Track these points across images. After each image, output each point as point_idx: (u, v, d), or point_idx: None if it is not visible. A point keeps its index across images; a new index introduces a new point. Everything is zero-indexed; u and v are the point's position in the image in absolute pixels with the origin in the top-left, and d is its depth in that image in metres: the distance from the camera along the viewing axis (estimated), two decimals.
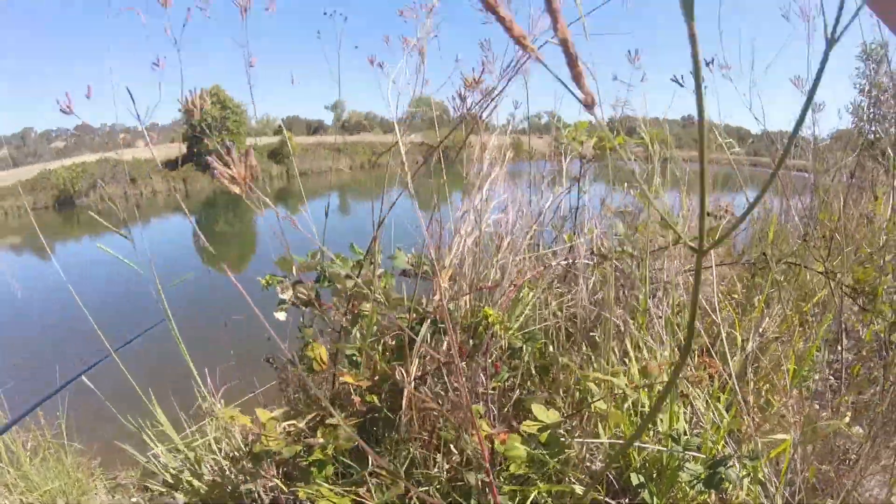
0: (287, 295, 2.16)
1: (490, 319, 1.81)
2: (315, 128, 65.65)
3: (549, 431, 1.54)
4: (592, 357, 2.12)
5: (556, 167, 2.73)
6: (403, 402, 1.81)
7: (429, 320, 1.87)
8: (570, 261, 2.45)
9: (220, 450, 2.31)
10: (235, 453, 2.25)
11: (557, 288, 2.48)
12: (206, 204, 33.79)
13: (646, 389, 1.69)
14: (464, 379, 1.60)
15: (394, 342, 2.05)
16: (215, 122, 40.10)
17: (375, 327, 2.00)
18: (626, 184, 2.86)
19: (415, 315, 1.93)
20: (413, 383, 1.81)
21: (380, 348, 2.04)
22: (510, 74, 1.87)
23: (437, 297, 1.94)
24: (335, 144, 48.47)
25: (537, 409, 1.60)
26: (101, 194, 38.78)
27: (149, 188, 40.45)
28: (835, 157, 3.47)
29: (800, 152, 3.40)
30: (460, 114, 1.92)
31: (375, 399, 1.86)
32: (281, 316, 2.18)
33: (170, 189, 39.98)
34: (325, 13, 2.12)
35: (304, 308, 2.19)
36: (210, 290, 9.48)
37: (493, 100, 1.91)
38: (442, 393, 1.96)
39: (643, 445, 1.63)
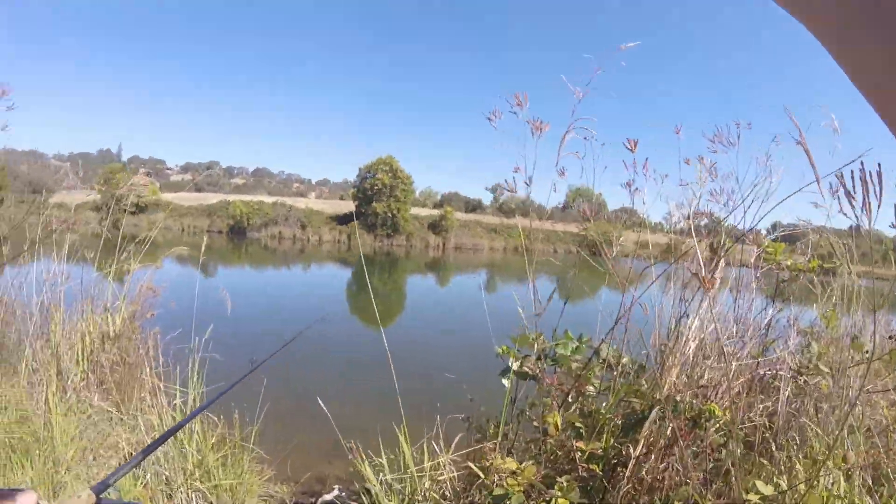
0: (516, 366, 2.79)
1: (716, 414, 2.29)
2: (474, 206, 75.08)
3: None
4: (782, 458, 2.54)
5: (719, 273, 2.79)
6: (627, 472, 2.27)
7: (657, 407, 2.31)
8: (773, 372, 2.90)
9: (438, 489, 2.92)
10: (448, 492, 2.86)
11: (747, 397, 2.83)
12: (365, 260, 35.39)
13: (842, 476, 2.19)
14: (687, 459, 2.19)
15: (621, 421, 2.51)
16: (385, 188, 48.57)
17: (615, 406, 2.48)
18: (814, 304, 3.23)
19: (645, 401, 2.40)
20: (636, 458, 2.27)
21: (610, 425, 2.51)
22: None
23: (665, 389, 2.48)
24: (492, 224, 55.87)
25: (760, 484, 2.06)
26: (273, 232, 48.88)
27: (316, 236, 49.38)
28: None
29: None
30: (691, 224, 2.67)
31: (597, 467, 2.32)
32: (506, 382, 2.83)
33: (334, 240, 49.18)
34: (584, 138, 2.51)
35: (522, 379, 2.81)
36: (361, 340, 12.72)
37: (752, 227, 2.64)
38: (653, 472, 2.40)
39: None
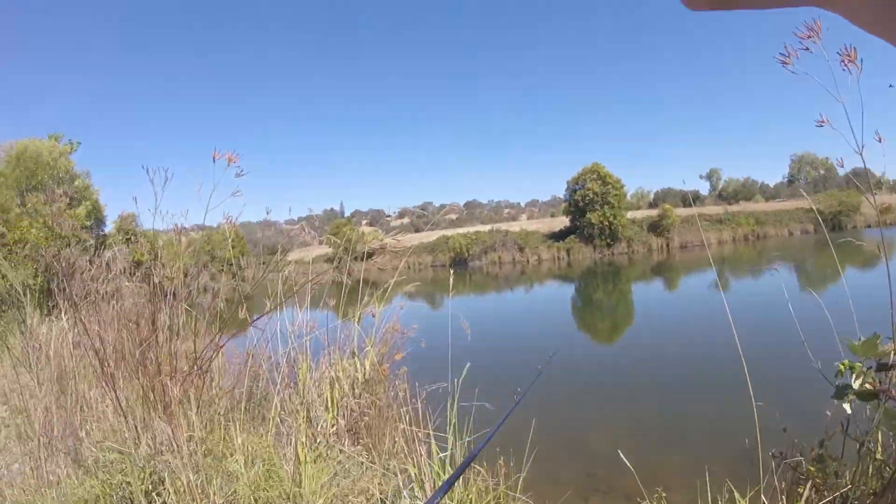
0: (857, 383, 2.16)
1: None
2: (692, 198, 72.05)
3: None
4: None
5: None
6: None
7: None
8: None
9: None
10: None
11: None
12: (587, 273, 38.09)
13: None
14: None
15: None
16: (596, 196, 47.38)
17: None
18: None
19: None
20: None
21: None
22: None
23: None
24: (715, 215, 52.43)
25: None
26: (493, 258, 50.49)
27: (535, 256, 49.46)
28: None
29: None
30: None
31: None
32: (847, 407, 2.24)
33: (553, 258, 48.85)
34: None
35: (864, 400, 2.16)
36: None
37: None
38: None
39: None
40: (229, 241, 5.00)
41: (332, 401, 4.41)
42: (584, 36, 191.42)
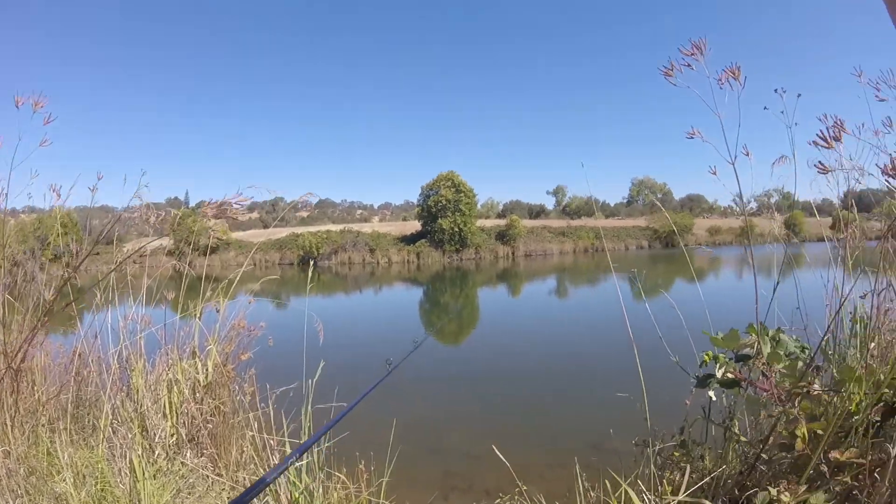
0: (720, 372, 2.39)
1: None
2: (537, 212, 76.27)
3: None
4: None
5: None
6: (888, 478, 1.87)
7: None
8: None
9: None
10: None
11: None
12: (436, 277, 38.74)
13: None
14: None
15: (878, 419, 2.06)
16: (449, 203, 48.94)
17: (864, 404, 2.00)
18: None
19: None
20: None
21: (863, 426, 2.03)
22: None
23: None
24: (559, 228, 55.98)
25: None
26: (343, 259, 50.41)
27: (385, 258, 49.85)
28: None
29: None
30: None
31: (849, 479, 1.97)
32: (712, 394, 2.50)
33: (404, 261, 49.58)
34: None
35: (727, 388, 2.40)
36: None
37: None
38: None
39: None
40: (58, 223, 4.44)
41: (171, 407, 3.95)
42: (446, 46, 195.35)
